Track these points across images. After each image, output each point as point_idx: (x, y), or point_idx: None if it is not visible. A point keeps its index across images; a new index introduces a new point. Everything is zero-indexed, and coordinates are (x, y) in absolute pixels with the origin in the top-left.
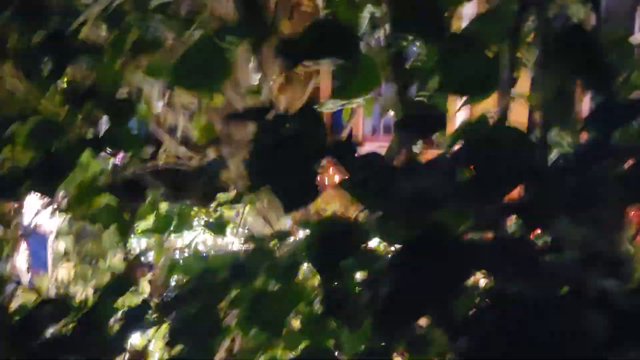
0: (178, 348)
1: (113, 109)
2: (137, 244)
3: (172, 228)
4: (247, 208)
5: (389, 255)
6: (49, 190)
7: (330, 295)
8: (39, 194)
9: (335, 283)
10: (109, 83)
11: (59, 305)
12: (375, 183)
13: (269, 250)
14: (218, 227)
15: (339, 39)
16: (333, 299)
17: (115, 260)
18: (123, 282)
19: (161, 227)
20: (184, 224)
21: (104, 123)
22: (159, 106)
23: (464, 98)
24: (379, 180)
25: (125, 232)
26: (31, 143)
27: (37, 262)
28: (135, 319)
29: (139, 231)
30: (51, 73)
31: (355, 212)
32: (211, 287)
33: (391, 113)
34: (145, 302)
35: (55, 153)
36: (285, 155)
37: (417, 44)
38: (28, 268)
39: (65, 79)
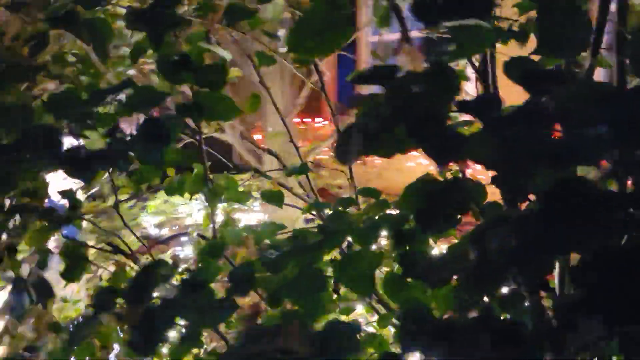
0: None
1: (204, 77)
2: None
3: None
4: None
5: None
6: (153, 158)
7: (406, 257)
8: (143, 163)
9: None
10: (196, 52)
11: (165, 267)
12: (527, 137)
13: (347, 215)
14: (274, 197)
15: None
16: (409, 260)
17: (132, 239)
18: (217, 244)
19: (213, 199)
20: (234, 195)
21: None
22: None
23: None
24: (533, 134)
25: (214, 199)
26: (129, 112)
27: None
28: (241, 280)
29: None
30: (148, 43)
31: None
32: (308, 249)
33: None
34: (248, 264)
35: (156, 122)
36: (421, 113)
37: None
38: (57, 246)
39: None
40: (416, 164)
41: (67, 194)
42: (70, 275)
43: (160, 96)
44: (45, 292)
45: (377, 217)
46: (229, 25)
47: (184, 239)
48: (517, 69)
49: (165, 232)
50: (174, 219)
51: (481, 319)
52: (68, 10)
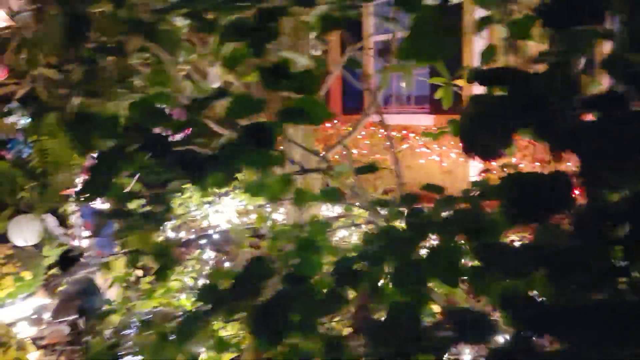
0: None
1: (300, 83)
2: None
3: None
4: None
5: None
6: (259, 161)
7: (484, 250)
8: (248, 167)
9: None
10: (283, 61)
11: (266, 263)
12: None
13: (426, 214)
14: (332, 194)
15: (592, 7)
16: (488, 254)
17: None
18: (310, 240)
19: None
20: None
21: None
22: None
23: None
24: None
25: (301, 199)
26: (232, 118)
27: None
28: (346, 273)
29: None
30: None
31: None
32: (402, 243)
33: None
34: (351, 257)
35: (260, 127)
36: (546, 110)
37: None
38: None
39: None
40: (426, 161)
41: (160, 198)
42: (163, 274)
43: (258, 104)
44: (95, 294)
45: (452, 213)
46: (318, 35)
47: (203, 241)
48: (617, 66)
49: (184, 235)
50: (190, 221)
51: (606, 302)
52: (147, 21)
